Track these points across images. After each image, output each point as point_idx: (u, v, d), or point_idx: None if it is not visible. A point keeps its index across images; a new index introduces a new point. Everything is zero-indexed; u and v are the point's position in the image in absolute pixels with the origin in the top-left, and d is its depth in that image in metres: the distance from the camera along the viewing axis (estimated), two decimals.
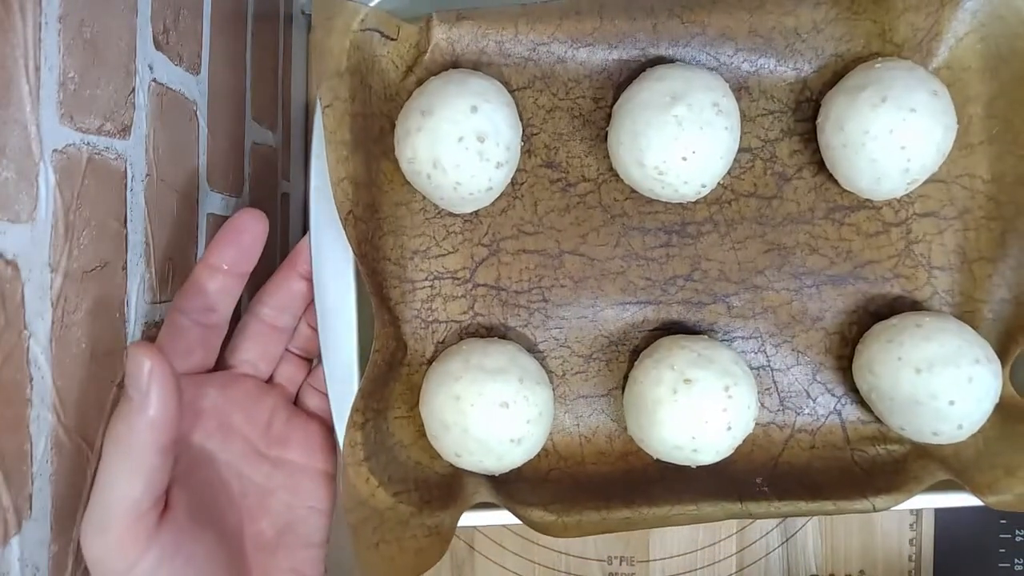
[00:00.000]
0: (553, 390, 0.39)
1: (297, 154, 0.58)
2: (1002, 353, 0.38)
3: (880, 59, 0.38)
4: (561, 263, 0.40)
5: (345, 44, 0.36)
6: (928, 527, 0.56)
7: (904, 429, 0.37)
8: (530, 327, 0.40)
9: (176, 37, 0.36)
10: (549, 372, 0.40)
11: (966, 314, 0.39)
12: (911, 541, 0.56)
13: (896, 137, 0.35)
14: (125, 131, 0.32)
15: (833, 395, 0.40)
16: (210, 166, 0.41)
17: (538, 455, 0.38)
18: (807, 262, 0.40)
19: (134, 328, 0.33)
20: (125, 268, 0.32)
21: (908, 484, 0.36)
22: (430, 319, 0.39)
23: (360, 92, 0.37)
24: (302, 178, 0.58)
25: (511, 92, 0.39)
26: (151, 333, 0.35)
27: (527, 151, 0.39)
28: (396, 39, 0.38)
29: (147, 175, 0.34)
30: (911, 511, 0.55)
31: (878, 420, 0.39)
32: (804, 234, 0.40)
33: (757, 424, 0.39)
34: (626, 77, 0.39)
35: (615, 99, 0.39)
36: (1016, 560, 0.55)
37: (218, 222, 0.41)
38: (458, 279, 0.39)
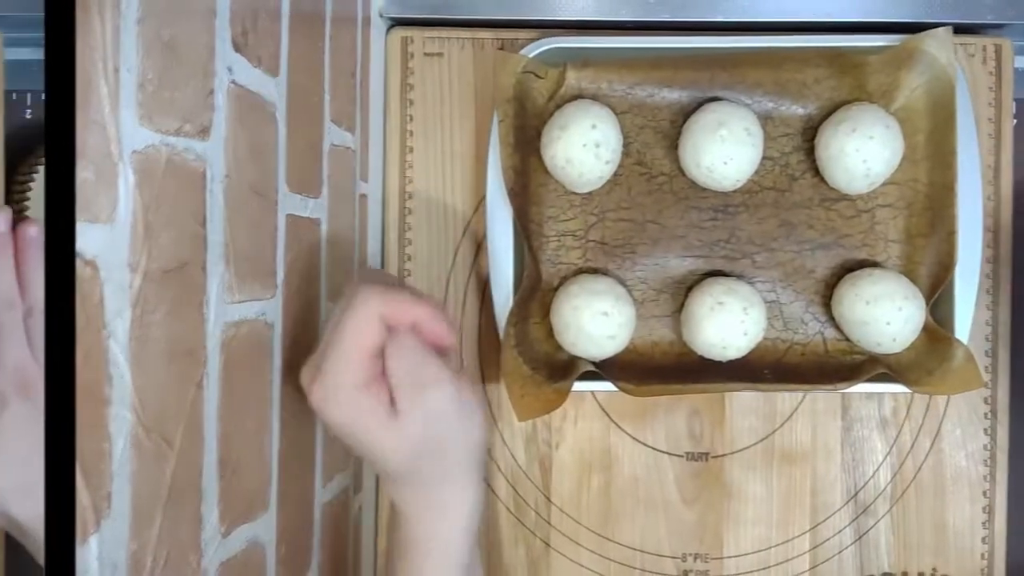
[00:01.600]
0: (635, 310, 0.60)
1: (376, 156, 0.58)
2: (928, 295, 0.58)
3: (856, 103, 0.58)
4: (644, 228, 0.61)
5: (513, 80, 0.58)
6: (1000, 525, 0.56)
7: (860, 342, 0.58)
8: (622, 269, 0.61)
9: (255, 39, 0.36)
10: (633, 299, 0.60)
11: (908, 271, 0.59)
12: (983, 539, 0.57)
13: (861, 155, 0.55)
14: (204, 132, 0.32)
15: (818, 321, 0.60)
16: (289, 167, 0.41)
17: (624, 350, 0.59)
18: (806, 234, 0.60)
19: (213, 328, 0.33)
20: (204, 268, 0.32)
21: (859, 376, 0.57)
22: (557, 261, 0.61)
23: (520, 111, 0.58)
24: (380, 179, 0.58)
25: (616, 115, 0.59)
26: (231, 333, 0.35)
27: (625, 153, 0.60)
28: (544, 78, 0.59)
29: (226, 176, 0.34)
30: (983, 508, 0.59)
31: (847, 338, 0.60)
32: (805, 215, 0.60)
33: (767, 338, 0.59)
34: (692, 108, 0.60)
35: (684, 122, 0.59)
36: None
37: (297, 223, 0.43)
38: (576, 236, 0.61)
